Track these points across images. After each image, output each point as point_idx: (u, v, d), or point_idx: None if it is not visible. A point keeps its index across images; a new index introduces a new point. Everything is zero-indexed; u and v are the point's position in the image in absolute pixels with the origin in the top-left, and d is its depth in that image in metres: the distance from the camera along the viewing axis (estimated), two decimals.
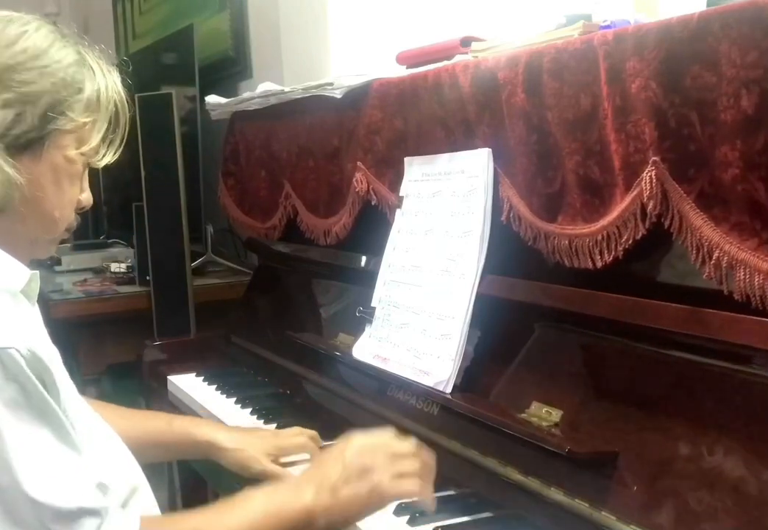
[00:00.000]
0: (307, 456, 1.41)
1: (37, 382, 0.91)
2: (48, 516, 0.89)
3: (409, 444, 1.13)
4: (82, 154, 1.07)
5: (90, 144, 1.08)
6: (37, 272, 1.05)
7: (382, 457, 1.09)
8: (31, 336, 0.93)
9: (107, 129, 1.10)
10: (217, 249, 2.72)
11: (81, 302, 2.42)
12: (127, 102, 1.13)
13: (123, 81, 1.13)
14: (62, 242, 1.18)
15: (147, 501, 1.09)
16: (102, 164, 1.12)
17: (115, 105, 1.11)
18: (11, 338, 0.90)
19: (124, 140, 1.14)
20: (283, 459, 1.40)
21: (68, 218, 1.10)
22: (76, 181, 1.09)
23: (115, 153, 1.13)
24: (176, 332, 2.27)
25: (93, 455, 0.99)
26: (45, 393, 0.92)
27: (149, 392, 2.07)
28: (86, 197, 1.13)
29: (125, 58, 1.20)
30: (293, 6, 2.48)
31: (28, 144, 1.01)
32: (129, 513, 1.01)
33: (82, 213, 1.15)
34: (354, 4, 2.35)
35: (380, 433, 1.15)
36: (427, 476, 1.11)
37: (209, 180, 2.54)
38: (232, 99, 2.17)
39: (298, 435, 1.44)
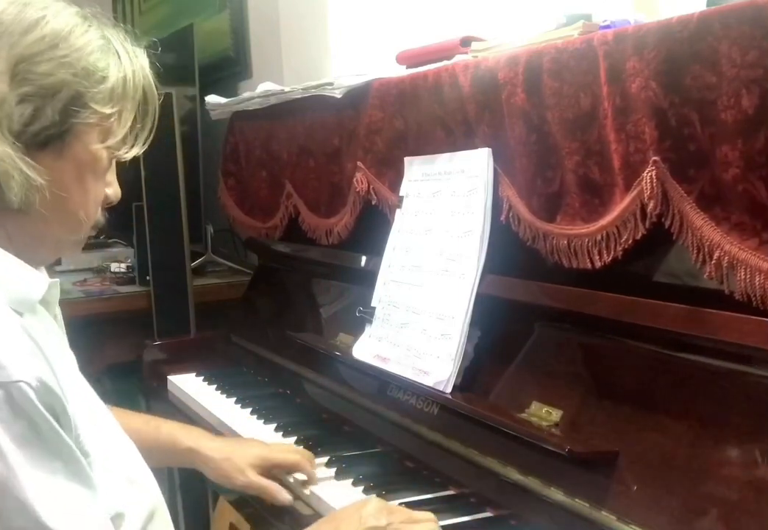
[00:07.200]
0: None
1: (48, 415, 0.85)
2: None
3: (428, 514, 1.10)
4: (107, 147, 0.99)
5: (116, 137, 0.99)
6: (57, 280, 1.00)
7: (399, 519, 1.05)
8: (40, 362, 0.87)
9: (134, 119, 1.01)
10: (217, 249, 2.72)
11: (81, 302, 2.40)
12: (156, 87, 1.03)
13: (151, 65, 1.04)
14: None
15: (163, 526, 1.04)
16: (129, 156, 1.03)
17: (143, 92, 1.02)
18: (20, 371, 0.83)
19: (154, 129, 1.04)
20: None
21: (93, 216, 1.02)
22: (101, 176, 1.01)
23: (144, 144, 1.04)
24: (176, 332, 2.27)
25: (111, 478, 0.94)
26: (56, 426, 0.86)
27: (149, 392, 2.07)
28: (114, 192, 1.05)
29: (155, 39, 1.02)
30: (293, 6, 2.48)
31: (48, 141, 0.93)
32: None
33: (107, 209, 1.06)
34: (354, 4, 2.34)
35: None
36: None
37: (209, 180, 2.53)
38: (232, 99, 2.17)
39: (291, 452, 1.36)
